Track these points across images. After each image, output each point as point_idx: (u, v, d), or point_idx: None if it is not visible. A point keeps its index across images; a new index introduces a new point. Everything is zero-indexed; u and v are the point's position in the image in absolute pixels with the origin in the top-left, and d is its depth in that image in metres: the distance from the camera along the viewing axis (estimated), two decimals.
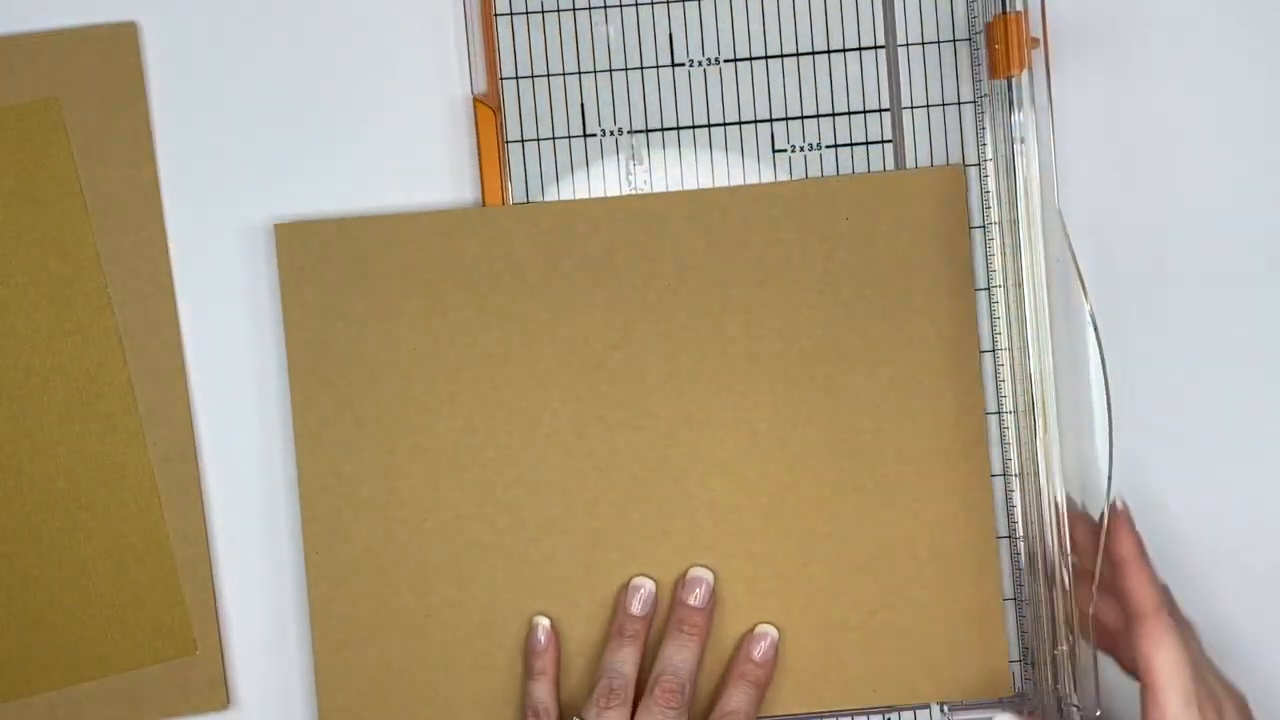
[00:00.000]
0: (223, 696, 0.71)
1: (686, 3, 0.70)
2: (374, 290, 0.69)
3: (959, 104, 0.70)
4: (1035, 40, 0.65)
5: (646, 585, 0.70)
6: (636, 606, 0.69)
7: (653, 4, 0.70)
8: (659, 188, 0.70)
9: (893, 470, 0.69)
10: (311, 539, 0.69)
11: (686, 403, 0.69)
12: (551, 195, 0.70)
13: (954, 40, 0.70)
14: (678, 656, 0.68)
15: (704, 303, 0.69)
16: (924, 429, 0.69)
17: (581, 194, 0.70)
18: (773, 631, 0.70)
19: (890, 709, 0.70)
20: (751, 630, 0.70)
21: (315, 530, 0.69)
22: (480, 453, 0.69)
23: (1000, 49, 0.66)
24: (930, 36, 0.70)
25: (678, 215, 0.69)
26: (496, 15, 0.69)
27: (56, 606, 0.70)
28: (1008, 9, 0.66)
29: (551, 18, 0.69)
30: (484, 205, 0.70)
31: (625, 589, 0.70)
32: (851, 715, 0.70)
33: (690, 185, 0.70)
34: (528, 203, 0.69)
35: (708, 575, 0.70)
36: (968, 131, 0.70)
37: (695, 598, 0.69)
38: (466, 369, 0.69)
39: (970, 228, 0.69)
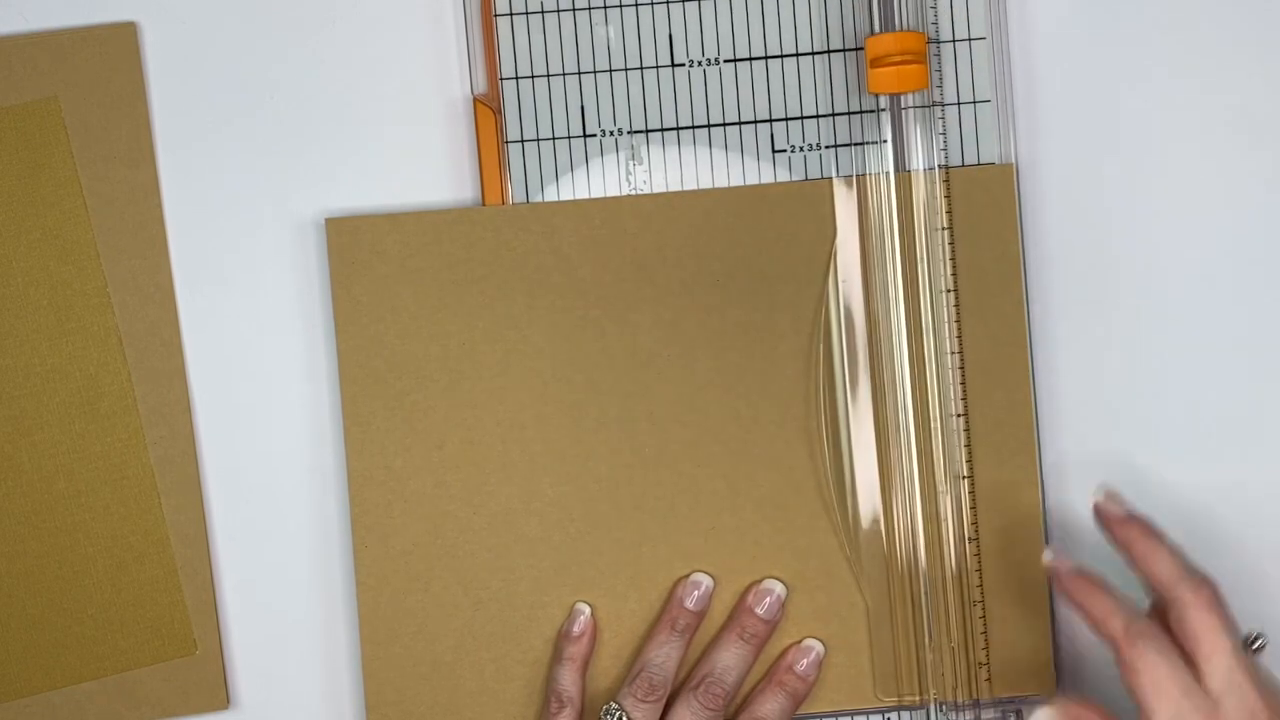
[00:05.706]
0: (223, 696, 0.71)
1: (686, 3, 0.70)
2: (423, 285, 0.69)
3: (959, 104, 0.70)
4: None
5: (705, 582, 0.69)
6: (691, 601, 0.69)
7: (653, 4, 0.70)
8: (659, 188, 0.70)
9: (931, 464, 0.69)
10: (361, 533, 0.69)
11: (735, 398, 0.69)
12: (551, 195, 0.70)
13: (954, 40, 0.70)
14: (730, 660, 0.68)
15: (750, 300, 0.69)
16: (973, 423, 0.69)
17: (581, 194, 0.70)
18: (819, 646, 0.69)
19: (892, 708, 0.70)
20: (799, 642, 0.70)
21: (364, 524, 0.69)
22: (529, 447, 0.69)
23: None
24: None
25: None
26: (496, 15, 0.69)
27: (56, 606, 0.70)
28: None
29: (551, 18, 0.69)
30: (484, 205, 0.70)
31: (683, 582, 0.69)
32: (852, 715, 0.70)
33: (690, 185, 0.70)
34: (574, 200, 0.69)
35: (779, 588, 0.69)
36: (967, 133, 0.70)
37: (763, 608, 0.69)
38: (515, 364, 0.69)
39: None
